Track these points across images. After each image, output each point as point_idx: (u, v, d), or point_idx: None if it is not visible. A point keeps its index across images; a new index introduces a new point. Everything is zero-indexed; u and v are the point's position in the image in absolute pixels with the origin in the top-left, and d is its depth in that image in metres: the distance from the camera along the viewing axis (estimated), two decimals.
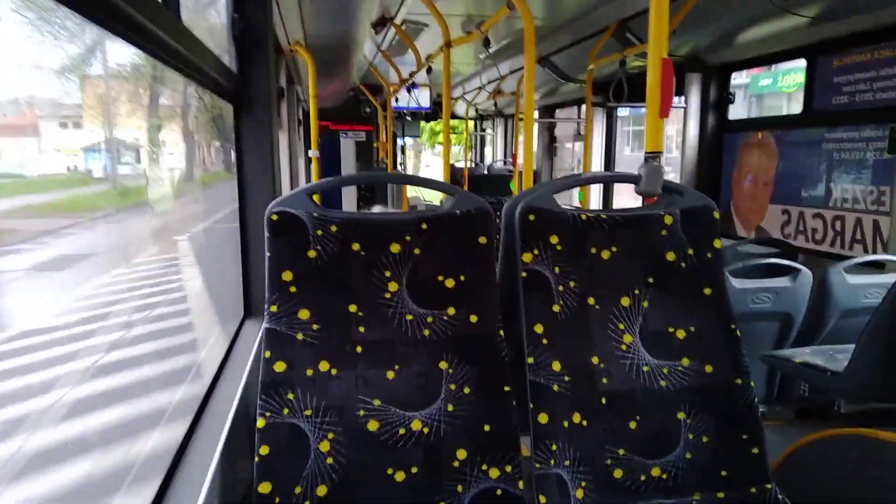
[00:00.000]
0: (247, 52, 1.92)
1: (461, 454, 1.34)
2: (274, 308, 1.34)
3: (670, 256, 1.52)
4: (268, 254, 1.36)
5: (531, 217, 1.46)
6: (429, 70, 5.65)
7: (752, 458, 1.44)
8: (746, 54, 4.08)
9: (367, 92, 8.78)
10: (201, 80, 1.58)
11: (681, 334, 1.49)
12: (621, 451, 1.39)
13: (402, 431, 1.33)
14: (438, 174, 4.49)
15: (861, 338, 2.21)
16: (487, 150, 11.79)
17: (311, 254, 1.37)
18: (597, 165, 6.24)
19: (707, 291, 1.52)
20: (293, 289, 1.35)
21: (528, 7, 2.77)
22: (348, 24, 4.10)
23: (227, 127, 2.08)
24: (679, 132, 4.66)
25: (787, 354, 2.57)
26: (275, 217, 1.36)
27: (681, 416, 1.44)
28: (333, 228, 1.38)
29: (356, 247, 1.40)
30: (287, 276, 1.35)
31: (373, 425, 1.32)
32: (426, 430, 1.34)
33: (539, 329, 1.41)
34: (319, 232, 1.38)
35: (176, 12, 1.35)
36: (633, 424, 1.41)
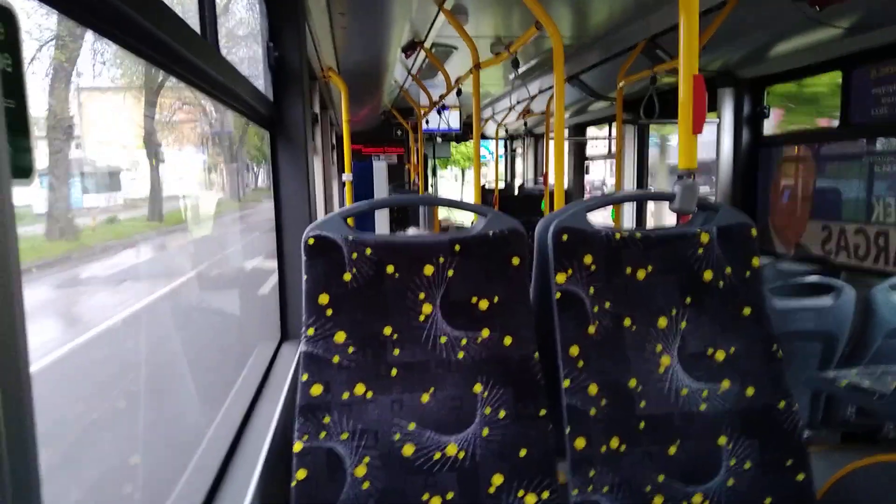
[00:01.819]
0: (282, 79, 1.97)
1: (497, 480, 1.33)
2: (311, 331, 1.35)
3: (707, 276, 1.50)
4: (305, 277, 1.37)
5: (564, 237, 1.46)
6: (458, 92, 5.70)
7: (797, 485, 1.40)
8: (780, 68, 4.02)
9: (398, 115, 8.89)
10: (239, 108, 1.62)
11: (720, 356, 1.46)
12: (661, 478, 1.36)
13: (437, 456, 1.32)
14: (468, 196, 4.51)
15: None
16: (518, 170, 11.79)
17: (347, 277, 1.38)
18: (629, 183, 6.19)
19: (746, 311, 1.49)
20: (329, 311, 1.36)
21: (556, 26, 2.78)
22: (379, 49, 4.17)
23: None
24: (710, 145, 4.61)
25: (831, 376, 2.49)
26: (311, 241, 1.38)
27: (722, 440, 1.40)
28: (368, 251, 1.40)
29: (390, 269, 1.41)
30: (323, 299, 1.37)
31: (408, 450, 1.32)
32: (461, 455, 1.33)
33: (574, 351, 1.40)
34: (354, 255, 1.39)
35: (215, 43, 1.39)
36: (672, 449, 1.38)
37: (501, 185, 10.16)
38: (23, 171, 0.52)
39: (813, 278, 2.85)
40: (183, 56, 1.07)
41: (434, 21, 3.79)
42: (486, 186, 9.24)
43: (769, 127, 4.38)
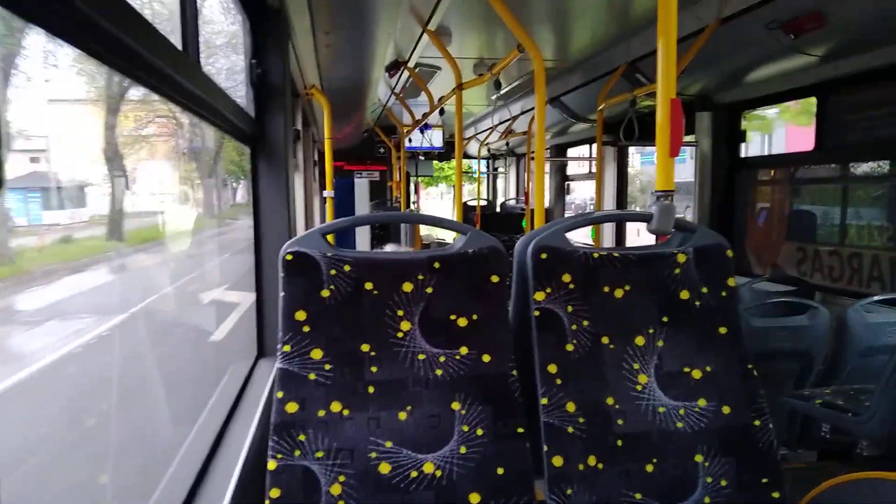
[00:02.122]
0: (264, 96, 1.97)
1: (474, 498, 1.32)
2: (287, 348, 1.34)
3: (684, 295, 1.52)
4: (282, 293, 1.37)
5: (543, 255, 1.47)
6: (441, 111, 5.74)
7: (773, 502, 1.41)
8: (756, 93, 4.11)
9: (381, 133, 8.92)
10: (219, 124, 1.62)
11: (696, 374, 1.47)
12: (638, 496, 1.36)
13: (414, 474, 1.31)
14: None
15: (883, 377, 2.16)
16: (499, 189, 11.86)
17: (325, 293, 1.38)
18: (609, 204, 6.25)
19: (722, 330, 1.51)
20: (306, 328, 1.36)
21: (538, 49, 2.82)
22: (363, 68, 4.20)
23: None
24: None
25: (806, 395, 2.52)
26: (289, 257, 1.37)
27: (698, 458, 1.41)
28: (347, 268, 1.40)
29: (369, 286, 1.40)
30: (301, 315, 1.36)
31: (385, 468, 1.30)
32: (438, 473, 1.32)
33: (552, 369, 1.40)
34: (333, 272, 1.39)
35: (196, 59, 1.39)
36: (649, 467, 1.39)
37: (484, 202, 10.21)
38: None
39: (788, 299, 2.89)
40: (164, 72, 1.07)
41: (418, 42, 3.83)
42: (469, 204, 9.28)
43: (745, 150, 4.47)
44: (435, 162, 11.45)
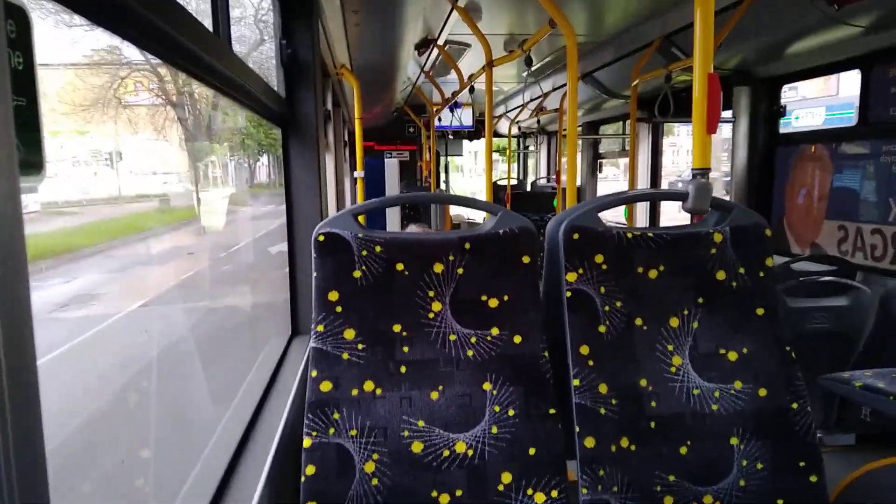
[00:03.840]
0: (294, 77, 1.97)
1: (506, 478, 1.32)
2: (320, 327, 1.35)
3: (720, 275, 1.49)
4: (314, 274, 1.38)
5: (575, 236, 1.45)
6: (471, 89, 5.69)
7: (810, 486, 1.38)
8: (797, 66, 3.98)
9: (410, 112, 8.90)
10: (251, 106, 1.63)
11: (732, 356, 1.45)
12: (671, 478, 1.35)
13: (446, 453, 1.32)
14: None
15: None
16: (530, 168, 11.76)
17: (357, 274, 1.39)
18: (643, 182, 6.15)
19: (760, 311, 1.48)
20: (339, 308, 1.37)
21: (570, 24, 2.76)
22: (393, 46, 4.17)
23: None
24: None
25: (846, 377, 2.46)
26: (321, 238, 1.38)
27: (734, 441, 1.39)
28: (378, 249, 1.40)
29: (400, 267, 1.41)
30: (333, 295, 1.37)
31: (417, 447, 1.32)
32: (470, 453, 1.33)
33: (585, 350, 1.39)
34: (364, 252, 1.39)
35: (228, 41, 1.40)
36: (683, 450, 1.37)
37: (514, 182, 10.14)
38: (34, 166, 0.53)
39: (828, 278, 2.82)
40: (196, 54, 1.07)
41: (447, 18, 3.78)
42: (499, 183, 9.22)
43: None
44: (464, 140, 11.39)
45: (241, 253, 3.30)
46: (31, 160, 0.53)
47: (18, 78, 0.51)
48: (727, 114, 4.38)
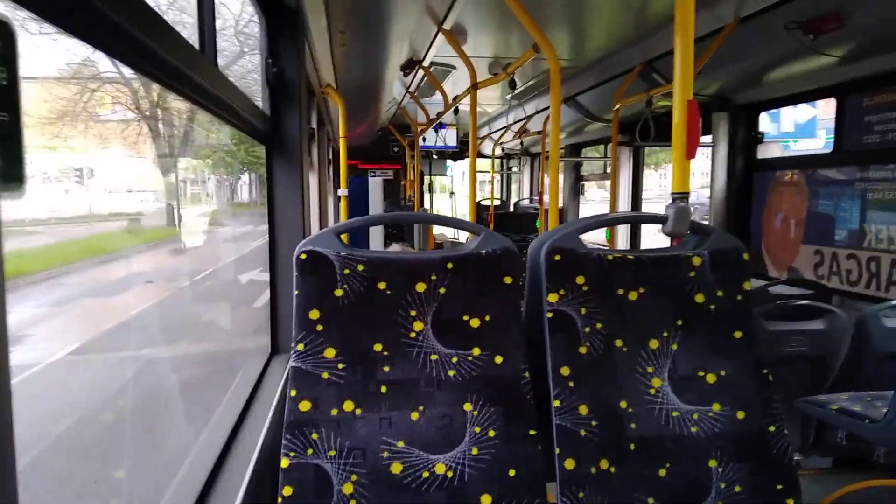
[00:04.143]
0: (279, 95, 1.98)
1: (486, 500, 1.32)
2: (301, 346, 1.35)
3: (699, 298, 1.50)
4: (296, 292, 1.37)
5: (556, 257, 1.46)
6: (456, 110, 5.74)
7: None
8: (774, 94, 4.07)
9: (395, 132, 8.93)
10: (236, 123, 1.63)
11: (711, 378, 1.46)
12: (650, 500, 1.36)
13: (425, 475, 1.31)
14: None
15: None
16: (513, 189, 11.83)
17: (339, 292, 1.38)
18: (623, 205, 6.22)
19: (737, 334, 1.49)
20: (320, 327, 1.36)
21: (553, 49, 2.81)
22: (378, 67, 4.20)
23: None
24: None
25: (822, 400, 2.49)
26: (303, 256, 1.38)
27: (712, 463, 1.40)
28: (360, 268, 1.40)
29: (382, 286, 1.41)
30: (314, 314, 1.36)
31: (396, 468, 1.31)
32: (450, 474, 1.32)
33: (566, 371, 1.40)
34: (347, 271, 1.39)
35: (213, 59, 1.40)
36: (662, 472, 1.38)
37: (497, 202, 10.19)
38: (15, 179, 0.53)
39: (805, 302, 2.86)
40: (181, 71, 1.07)
41: (433, 41, 3.82)
42: (482, 204, 9.27)
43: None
44: (448, 160, 11.44)
45: (208, 281, 3.01)
46: (13, 174, 0.53)
47: (2, 93, 0.51)
48: (706, 139, 4.45)
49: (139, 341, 1.89)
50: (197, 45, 1.34)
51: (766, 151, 4.42)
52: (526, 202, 10.14)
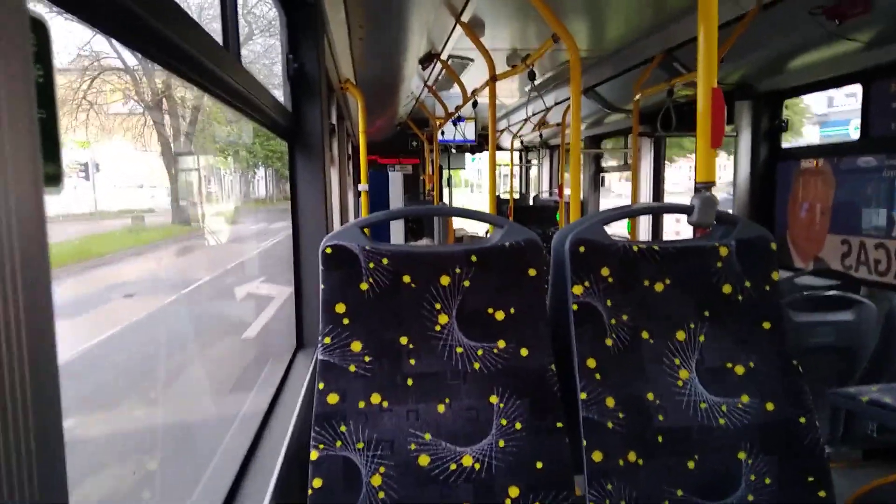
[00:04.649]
0: (300, 91, 1.99)
1: (513, 492, 1.32)
2: (327, 340, 1.36)
3: (726, 289, 1.49)
4: (322, 286, 1.38)
5: (581, 249, 1.45)
6: (474, 104, 5.72)
7: (818, 501, 1.37)
8: (798, 81, 4.00)
9: (413, 126, 8.94)
10: (259, 119, 1.64)
11: (739, 370, 1.44)
12: (679, 492, 1.35)
13: (452, 467, 1.32)
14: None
15: None
16: (532, 181, 11.79)
17: (364, 286, 1.39)
18: (644, 196, 6.16)
19: (766, 325, 1.48)
20: (346, 321, 1.37)
21: (573, 39, 2.78)
22: (397, 61, 4.20)
23: None
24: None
25: (852, 392, 2.45)
26: (329, 251, 1.39)
27: (741, 455, 1.39)
28: (385, 261, 1.40)
29: (407, 279, 1.41)
30: (340, 308, 1.37)
31: (424, 460, 1.31)
32: (477, 466, 1.32)
33: (591, 363, 1.39)
34: (371, 265, 1.40)
35: (237, 55, 1.41)
36: (690, 464, 1.37)
37: (516, 196, 10.16)
38: (54, 178, 0.54)
39: (833, 293, 2.82)
40: (206, 66, 1.08)
41: (451, 33, 3.81)
42: (501, 197, 9.24)
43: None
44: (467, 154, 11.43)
45: (197, 295, 2.50)
46: (52, 171, 0.54)
47: (40, 91, 0.51)
48: (728, 128, 4.40)
49: (84, 393, 1.45)
50: (221, 41, 1.35)
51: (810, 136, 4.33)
52: (546, 195, 10.10)
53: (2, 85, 0.39)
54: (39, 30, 0.53)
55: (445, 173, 10.52)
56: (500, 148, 10.80)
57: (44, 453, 0.42)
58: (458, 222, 8.62)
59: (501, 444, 1.34)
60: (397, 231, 7.68)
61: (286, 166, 1.99)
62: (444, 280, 1.43)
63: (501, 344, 1.41)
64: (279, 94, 1.97)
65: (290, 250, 2.00)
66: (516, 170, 11.18)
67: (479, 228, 8.78)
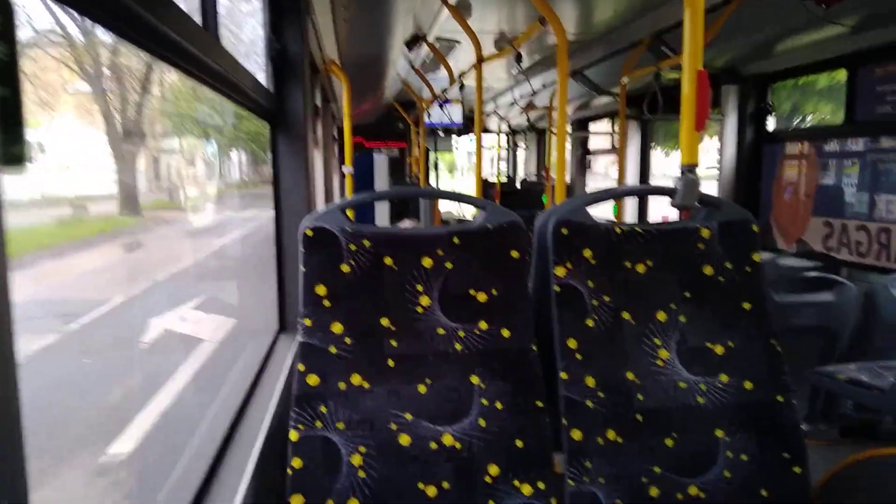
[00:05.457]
0: (283, 72, 1.96)
1: (493, 470, 1.33)
2: (308, 322, 1.35)
3: (708, 270, 1.50)
4: (302, 268, 1.38)
5: (564, 231, 1.46)
6: (461, 86, 5.69)
7: (794, 477, 1.40)
8: (784, 65, 4.01)
9: (399, 108, 8.88)
10: (239, 100, 1.62)
11: (719, 350, 1.46)
12: (657, 470, 1.37)
13: (433, 446, 1.33)
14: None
15: None
16: (520, 164, 11.78)
17: (345, 268, 1.39)
18: (631, 178, 6.18)
19: (746, 306, 1.49)
20: (327, 303, 1.37)
21: (560, 22, 2.77)
22: (382, 42, 4.16)
23: None
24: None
25: (831, 371, 2.49)
26: (309, 232, 1.38)
27: (719, 433, 1.41)
28: (366, 243, 1.40)
29: (389, 261, 1.41)
30: (321, 290, 1.37)
31: (404, 439, 1.32)
32: (458, 446, 1.33)
33: (573, 344, 1.40)
34: (353, 247, 1.39)
35: (215, 34, 1.39)
36: (669, 442, 1.39)
37: (504, 179, 10.15)
38: (16, 158, 0.53)
39: (813, 274, 2.85)
40: (185, 48, 1.07)
41: (438, 15, 3.78)
42: (488, 180, 9.23)
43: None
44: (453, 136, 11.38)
45: (76, 340, 1.69)
46: (15, 152, 0.53)
47: (2, 69, 0.50)
48: (715, 112, 4.41)
49: None
50: (200, 22, 1.33)
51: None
52: (533, 178, 10.10)
53: None
54: (4, 8, 0.52)
55: (432, 156, 10.48)
56: (487, 131, 10.77)
57: (3, 453, 0.42)
58: (444, 205, 8.61)
59: (482, 423, 1.35)
60: (382, 214, 7.66)
61: (261, 147, 1.92)
62: (427, 262, 1.43)
63: (483, 325, 1.42)
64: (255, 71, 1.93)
65: (257, 247, 1.94)
66: (504, 153, 11.17)
67: (466, 211, 8.78)
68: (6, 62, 0.52)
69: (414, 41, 4.46)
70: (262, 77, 1.93)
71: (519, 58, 4.24)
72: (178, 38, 1.01)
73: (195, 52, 1.13)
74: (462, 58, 5.16)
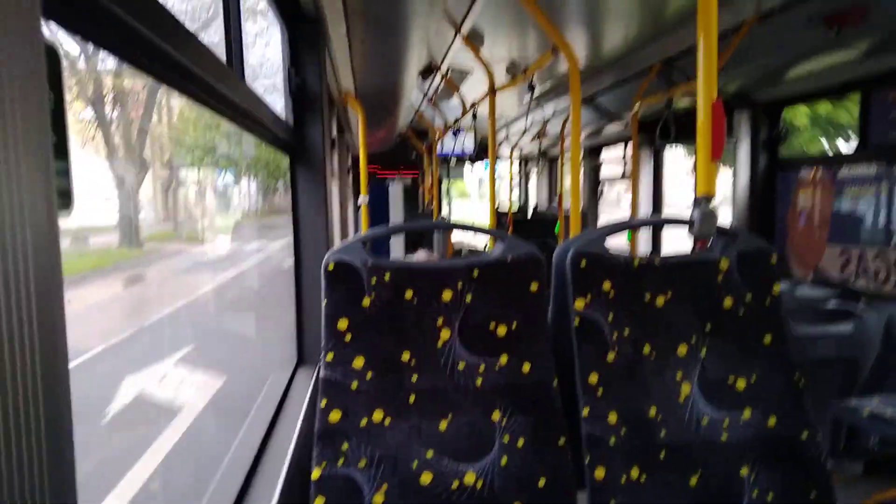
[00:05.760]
0: (302, 105, 2.00)
1: None
2: (329, 356, 1.35)
3: (728, 303, 1.49)
4: (324, 301, 1.38)
5: (583, 263, 1.45)
6: (474, 115, 5.74)
7: None
8: (797, 90, 4.01)
9: (413, 137, 8.96)
10: (261, 134, 1.65)
11: (741, 384, 1.44)
12: None
13: (455, 485, 1.31)
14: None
15: None
16: (531, 192, 11.79)
17: (366, 302, 1.39)
18: (644, 205, 6.16)
19: (767, 339, 1.47)
20: (348, 337, 1.37)
21: (572, 50, 2.79)
22: (397, 73, 4.22)
23: None
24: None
25: (854, 405, 2.44)
26: (331, 266, 1.39)
27: (744, 471, 1.38)
28: (387, 277, 1.40)
29: (409, 294, 1.41)
30: (343, 324, 1.37)
31: (426, 478, 1.31)
32: (479, 484, 1.32)
33: (594, 379, 1.39)
34: (374, 280, 1.40)
35: (240, 73, 1.42)
36: (693, 480, 1.36)
37: (515, 207, 10.16)
38: (65, 200, 0.55)
39: (833, 304, 2.81)
40: (211, 86, 1.09)
41: (451, 45, 3.83)
42: (500, 210, 9.24)
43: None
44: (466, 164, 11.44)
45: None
46: (64, 192, 0.55)
47: (52, 116, 0.52)
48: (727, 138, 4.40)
49: None
50: (224, 60, 1.36)
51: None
52: (544, 207, 10.10)
53: (20, 110, 0.40)
54: (52, 56, 0.54)
55: (444, 184, 10.53)
56: (498, 158, 10.81)
57: (54, 458, 0.43)
58: (456, 235, 8.63)
59: (504, 461, 1.34)
60: (397, 242, 7.68)
61: (272, 175, 1.94)
62: (447, 295, 1.42)
63: (503, 359, 1.41)
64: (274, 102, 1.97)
65: (262, 285, 1.96)
66: (515, 181, 11.20)
67: (477, 241, 8.78)
68: (55, 109, 0.53)
69: (428, 71, 4.51)
70: (277, 103, 1.95)
71: (531, 86, 4.27)
72: (205, 76, 1.04)
73: (220, 90, 1.16)
74: (475, 85, 5.21)
